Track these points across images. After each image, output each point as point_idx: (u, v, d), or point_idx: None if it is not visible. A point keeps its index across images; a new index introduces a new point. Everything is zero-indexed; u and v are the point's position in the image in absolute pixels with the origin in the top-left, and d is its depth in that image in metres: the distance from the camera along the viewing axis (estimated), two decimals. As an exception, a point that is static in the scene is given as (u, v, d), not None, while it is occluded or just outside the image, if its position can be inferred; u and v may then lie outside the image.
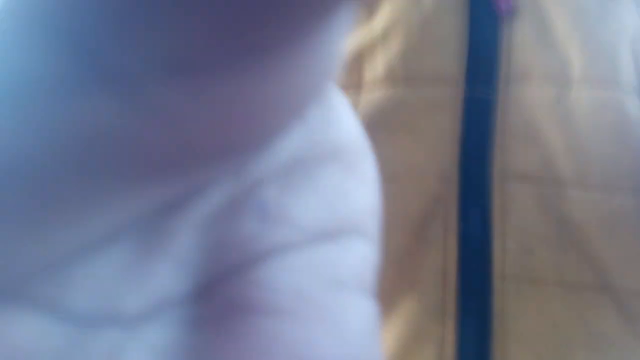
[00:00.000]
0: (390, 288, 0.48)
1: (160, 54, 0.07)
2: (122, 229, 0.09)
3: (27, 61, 0.07)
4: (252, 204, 0.10)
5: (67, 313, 0.09)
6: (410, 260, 0.48)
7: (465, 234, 0.47)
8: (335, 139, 0.11)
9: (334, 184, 0.10)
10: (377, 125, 0.48)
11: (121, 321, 0.09)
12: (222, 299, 0.09)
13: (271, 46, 0.07)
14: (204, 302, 0.09)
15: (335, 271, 0.10)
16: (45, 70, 0.07)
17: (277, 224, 0.10)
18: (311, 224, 0.10)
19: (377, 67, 0.48)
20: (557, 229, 0.46)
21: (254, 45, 0.07)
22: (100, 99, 0.07)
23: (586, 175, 0.46)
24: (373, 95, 0.48)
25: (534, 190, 0.47)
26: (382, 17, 0.48)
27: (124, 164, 0.08)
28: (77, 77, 0.07)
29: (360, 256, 0.10)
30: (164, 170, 0.08)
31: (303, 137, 0.10)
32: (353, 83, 0.48)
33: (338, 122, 0.11)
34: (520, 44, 0.47)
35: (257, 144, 0.09)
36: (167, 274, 0.09)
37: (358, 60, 0.48)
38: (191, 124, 0.08)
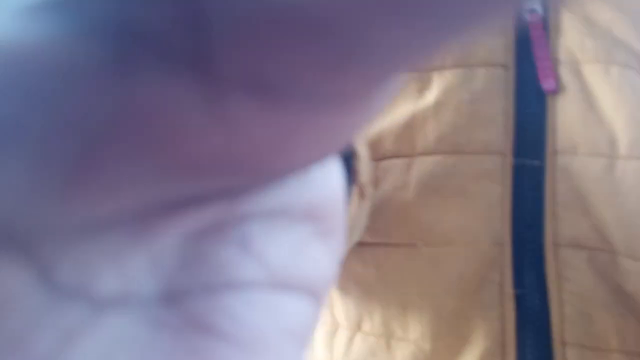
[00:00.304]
0: (446, 350, 0.48)
1: (254, 71, 0.08)
2: (127, 214, 0.09)
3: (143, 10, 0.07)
4: (237, 233, 0.10)
5: (52, 277, 0.09)
6: (467, 323, 0.48)
7: (521, 298, 0.47)
8: (319, 201, 0.11)
9: (305, 244, 0.11)
10: (429, 191, 0.49)
11: (91, 299, 0.09)
12: (184, 311, 0.10)
13: (344, 97, 0.08)
14: (166, 308, 0.10)
15: (289, 320, 0.11)
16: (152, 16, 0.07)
17: (253, 260, 0.10)
18: (279, 271, 0.10)
19: (428, 137, 0.50)
20: (614, 295, 0.46)
21: (329, 91, 0.08)
22: (187, 80, 0.08)
23: (636, 246, 0.46)
24: (425, 162, 0.49)
25: (588, 257, 0.47)
26: (433, 92, 0.50)
27: (176, 152, 0.08)
28: (178, 51, 0.08)
29: (309, 314, 0.11)
30: (204, 171, 0.09)
31: (294, 189, 0.11)
32: (406, 150, 0.50)
33: (328, 183, 0.11)
34: (566, 119, 0.49)
35: (276, 176, 0.10)
36: (142, 269, 0.10)
37: (410, 130, 0.50)
38: (249, 140, 0.08)
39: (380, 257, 0.51)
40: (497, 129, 0.49)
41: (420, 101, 0.50)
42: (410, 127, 0.50)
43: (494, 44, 0.51)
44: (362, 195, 0.43)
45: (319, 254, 0.11)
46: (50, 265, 0.09)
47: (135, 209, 0.09)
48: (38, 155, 0.08)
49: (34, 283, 0.09)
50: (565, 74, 0.50)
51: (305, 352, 0.11)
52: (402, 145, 0.50)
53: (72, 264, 0.09)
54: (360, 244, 0.50)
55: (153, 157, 0.08)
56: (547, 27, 0.51)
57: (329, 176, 0.11)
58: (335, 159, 0.12)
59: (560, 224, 0.48)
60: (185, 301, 0.10)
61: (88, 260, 0.09)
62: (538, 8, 0.51)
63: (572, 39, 0.50)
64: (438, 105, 0.50)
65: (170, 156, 0.08)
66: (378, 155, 0.50)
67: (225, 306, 0.10)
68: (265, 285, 0.10)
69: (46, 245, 0.09)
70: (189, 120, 0.08)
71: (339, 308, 0.54)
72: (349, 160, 0.40)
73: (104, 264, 0.09)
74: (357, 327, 0.52)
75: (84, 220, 0.09)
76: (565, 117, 0.49)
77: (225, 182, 0.09)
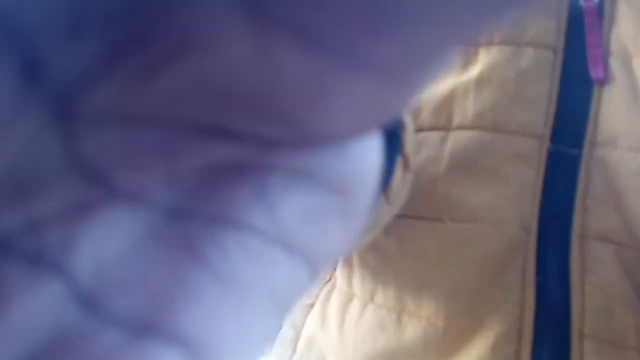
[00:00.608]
0: (459, 330, 0.47)
1: (301, 18, 0.08)
2: (162, 126, 0.09)
3: None
4: (257, 179, 0.10)
5: (77, 150, 0.09)
6: (484, 305, 0.47)
7: (543, 286, 0.46)
8: (350, 177, 0.11)
9: (322, 214, 0.11)
10: (462, 166, 0.48)
11: (105, 185, 0.09)
12: (181, 231, 0.10)
13: (386, 64, 0.08)
14: (166, 222, 0.10)
15: (277, 281, 0.10)
16: None
17: (263, 210, 0.10)
18: (286, 229, 0.10)
19: (467, 112, 0.49)
20: (638, 293, 0.45)
21: (370, 55, 0.08)
22: (238, 11, 0.08)
23: None
24: (461, 137, 0.48)
25: (615, 252, 0.46)
26: (477, 67, 0.49)
27: (218, 79, 0.09)
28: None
29: (300, 284, 0.11)
30: (240, 105, 0.09)
31: (328, 157, 0.11)
32: (443, 124, 0.49)
33: (364, 162, 0.11)
34: (610, 111, 0.48)
35: (311, 136, 0.10)
36: (159, 180, 0.10)
37: (450, 103, 0.49)
38: (288, 84, 0.09)
39: (403, 229, 0.50)
40: (538, 112, 0.48)
41: (463, 75, 0.49)
42: (450, 100, 0.49)
43: (545, 25, 0.50)
44: (406, 166, 0.42)
45: (332, 229, 0.11)
46: (80, 140, 0.09)
47: (170, 124, 0.09)
48: (118, 45, 0.08)
49: (57, 147, 0.09)
50: (615, 65, 0.49)
51: (281, 321, 0.11)
52: (439, 118, 0.49)
53: (98, 148, 0.09)
54: None
55: (199, 80, 0.09)
56: (602, 15, 0.50)
57: (367, 155, 0.11)
58: (379, 140, 0.11)
59: (590, 216, 0.46)
60: (185, 222, 0.10)
61: (114, 150, 0.09)
62: None
63: (625, 31, 0.49)
64: (481, 80, 0.49)
65: (211, 82, 0.09)
66: (415, 127, 0.49)
67: (221, 241, 0.10)
68: (267, 237, 0.10)
69: (83, 120, 0.09)
70: (234, 50, 0.08)
71: (357, 278, 0.53)
72: (396, 129, 0.39)
73: (127, 160, 0.09)
74: (370, 298, 0.51)
75: (124, 113, 0.09)
76: (610, 109, 0.48)
77: (259, 123, 0.09)
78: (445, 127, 0.49)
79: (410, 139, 0.42)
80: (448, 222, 0.48)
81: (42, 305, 0.09)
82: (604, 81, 0.49)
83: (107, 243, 0.09)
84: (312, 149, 0.10)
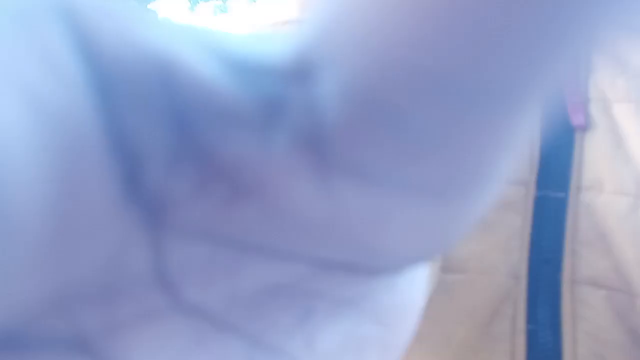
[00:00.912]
0: None
1: (359, 157, 0.09)
2: (231, 244, 0.10)
3: None
4: (303, 305, 0.11)
5: (162, 266, 0.10)
6: (474, 356, 0.47)
7: (533, 334, 0.46)
8: (395, 311, 0.11)
9: (361, 344, 0.11)
10: None
11: (174, 298, 0.10)
12: (221, 348, 0.10)
13: (430, 184, 0.09)
14: (212, 336, 0.10)
15: None
16: None
17: (303, 339, 0.10)
18: (321, 358, 0.11)
19: None
20: (631, 338, 0.45)
21: (416, 176, 0.09)
22: (303, 149, 0.09)
23: None
24: None
25: (606, 297, 0.46)
26: None
27: (281, 208, 0.10)
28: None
29: None
30: (300, 232, 0.10)
31: (377, 288, 0.11)
32: None
33: (411, 297, 0.11)
34: (593, 156, 0.48)
35: (370, 265, 0.10)
36: (220, 297, 0.10)
37: None
38: (347, 215, 0.09)
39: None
40: (521, 159, 0.49)
41: None
42: None
43: None
44: None
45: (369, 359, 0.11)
46: (165, 254, 0.10)
47: (242, 244, 0.10)
48: (207, 174, 0.09)
49: (144, 257, 0.10)
50: (595, 111, 0.49)
51: None
52: None
53: (179, 263, 0.10)
54: None
55: (270, 210, 0.10)
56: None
57: (412, 288, 0.11)
58: (425, 273, 0.12)
59: (579, 261, 0.47)
60: (227, 337, 0.10)
61: (191, 267, 0.10)
62: None
63: (602, 78, 0.50)
64: None
65: (280, 212, 0.10)
66: None
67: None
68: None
69: (170, 235, 0.10)
70: (300, 189, 0.09)
71: None
72: None
73: (199, 276, 0.10)
74: None
75: (206, 232, 0.10)
76: (593, 153, 0.49)
77: (322, 248, 0.10)
78: None
79: None
80: (437, 273, 0.48)
81: None
82: (585, 127, 0.49)
83: (157, 353, 0.10)
84: (364, 277, 0.11)
